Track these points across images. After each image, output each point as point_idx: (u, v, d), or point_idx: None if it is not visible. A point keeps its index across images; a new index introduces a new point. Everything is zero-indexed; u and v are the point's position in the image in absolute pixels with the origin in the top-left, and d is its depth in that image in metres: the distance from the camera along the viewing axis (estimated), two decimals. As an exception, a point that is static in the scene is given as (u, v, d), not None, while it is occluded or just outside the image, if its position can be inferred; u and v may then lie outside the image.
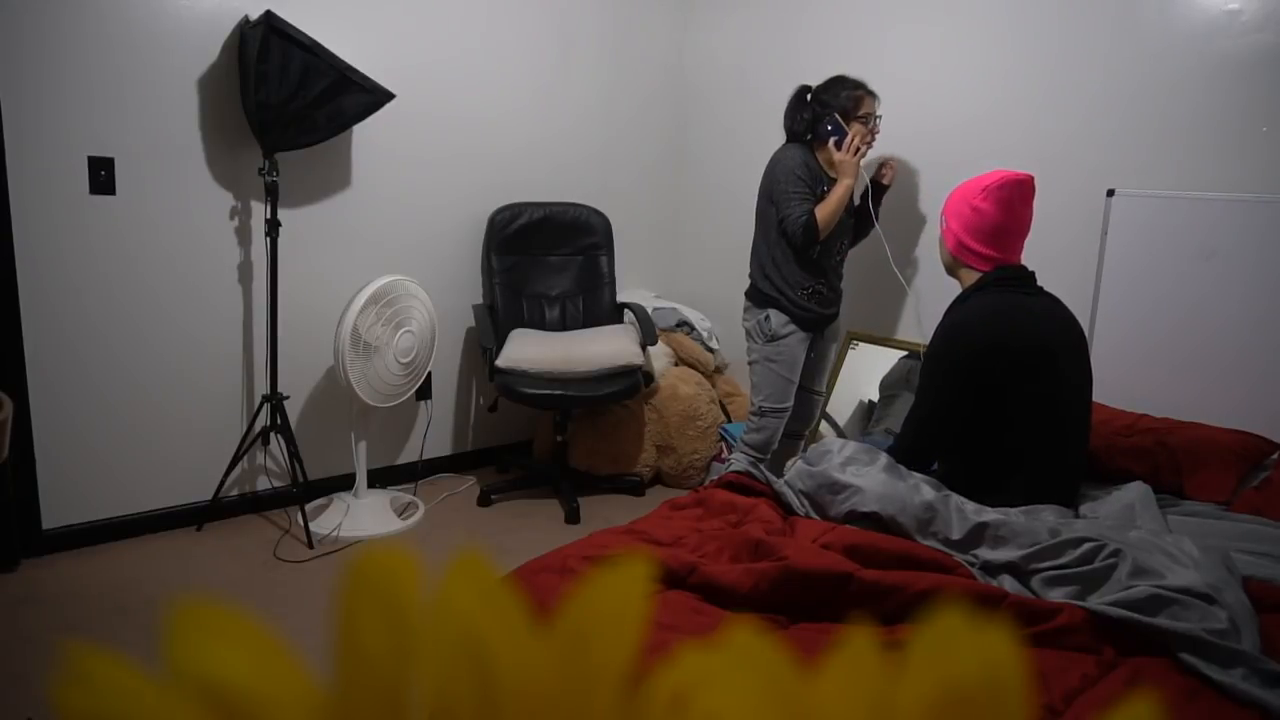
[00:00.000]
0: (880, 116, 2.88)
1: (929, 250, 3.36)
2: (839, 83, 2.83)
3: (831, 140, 2.79)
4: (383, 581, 0.23)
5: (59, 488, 2.72)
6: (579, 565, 1.68)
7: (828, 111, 2.80)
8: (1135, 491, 2.19)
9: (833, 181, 2.84)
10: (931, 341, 2.19)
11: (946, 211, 2.25)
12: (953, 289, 3.39)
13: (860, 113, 2.80)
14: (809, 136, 2.87)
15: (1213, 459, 2.41)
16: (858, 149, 2.77)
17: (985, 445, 2.12)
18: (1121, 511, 2.08)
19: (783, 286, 2.86)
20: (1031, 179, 2.19)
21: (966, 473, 2.11)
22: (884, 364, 3.47)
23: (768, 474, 2.17)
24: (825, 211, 2.75)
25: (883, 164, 3.14)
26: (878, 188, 3.13)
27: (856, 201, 3.01)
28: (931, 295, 3.39)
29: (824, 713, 0.22)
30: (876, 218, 3.10)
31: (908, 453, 2.16)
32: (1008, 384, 2.06)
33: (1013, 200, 2.14)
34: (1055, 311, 2.18)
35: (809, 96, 2.88)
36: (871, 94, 2.84)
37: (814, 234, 2.75)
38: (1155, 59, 2.78)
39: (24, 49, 2.50)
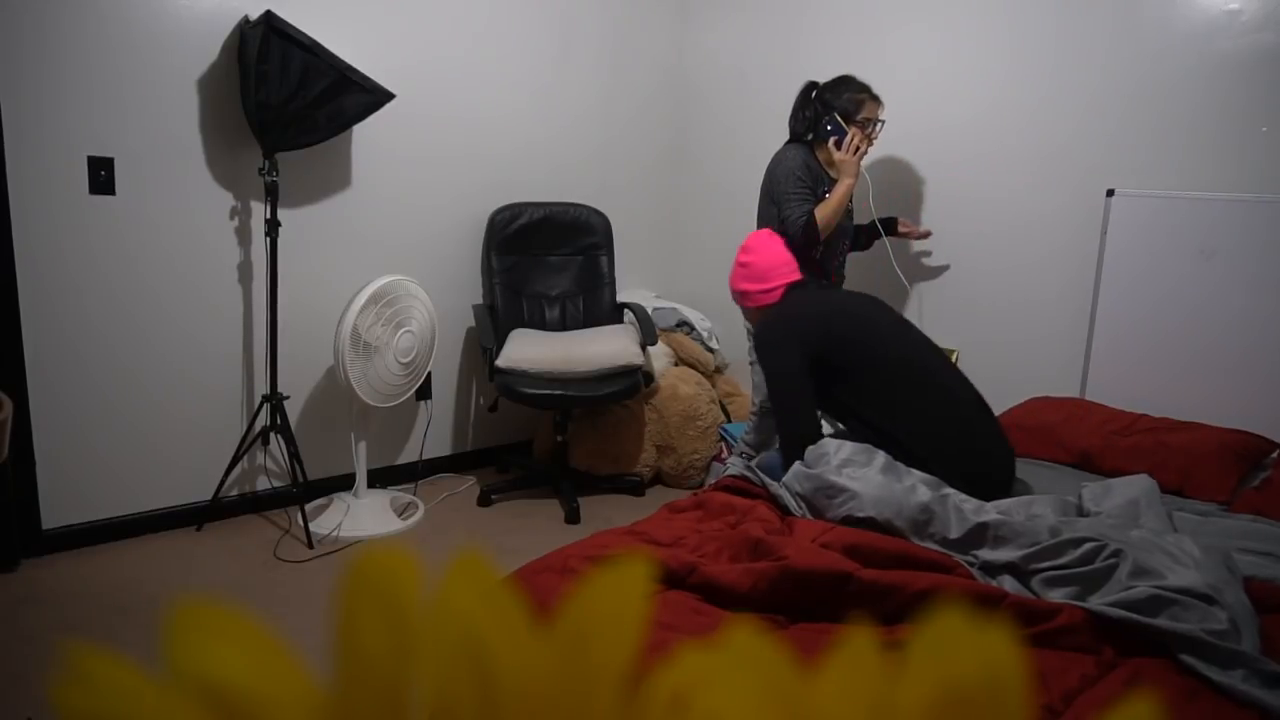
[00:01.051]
0: (883, 122, 2.87)
1: (930, 249, 3.37)
2: (844, 83, 2.83)
3: (831, 140, 2.79)
4: (383, 581, 0.23)
5: (59, 488, 2.72)
6: (580, 565, 1.68)
7: (829, 111, 2.80)
8: (1140, 486, 2.19)
9: (834, 182, 2.84)
10: (757, 338, 2.32)
11: (739, 291, 2.50)
12: (954, 286, 3.39)
13: (860, 116, 2.80)
14: (810, 136, 2.87)
15: (1213, 459, 2.41)
16: (857, 148, 2.77)
17: (859, 417, 2.22)
18: (1126, 507, 2.08)
19: (783, 286, 2.86)
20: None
21: (882, 444, 2.15)
22: (884, 364, 3.47)
23: (763, 476, 2.17)
24: (825, 212, 2.75)
25: (924, 233, 3.21)
26: (891, 228, 3.18)
27: (865, 206, 3.01)
28: (933, 294, 3.40)
29: (824, 713, 0.22)
30: (884, 235, 3.13)
31: (789, 440, 2.22)
32: (840, 351, 2.19)
33: (750, 249, 2.48)
34: (854, 294, 2.44)
35: (814, 94, 2.88)
36: (875, 98, 2.84)
37: (814, 234, 2.75)
38: (1155, 59, 2.78)
39: (24, 49, 2.50)
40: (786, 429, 2.24)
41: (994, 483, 2.18)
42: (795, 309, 2.33)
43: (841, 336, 2.24)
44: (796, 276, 2.43)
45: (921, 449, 2.15)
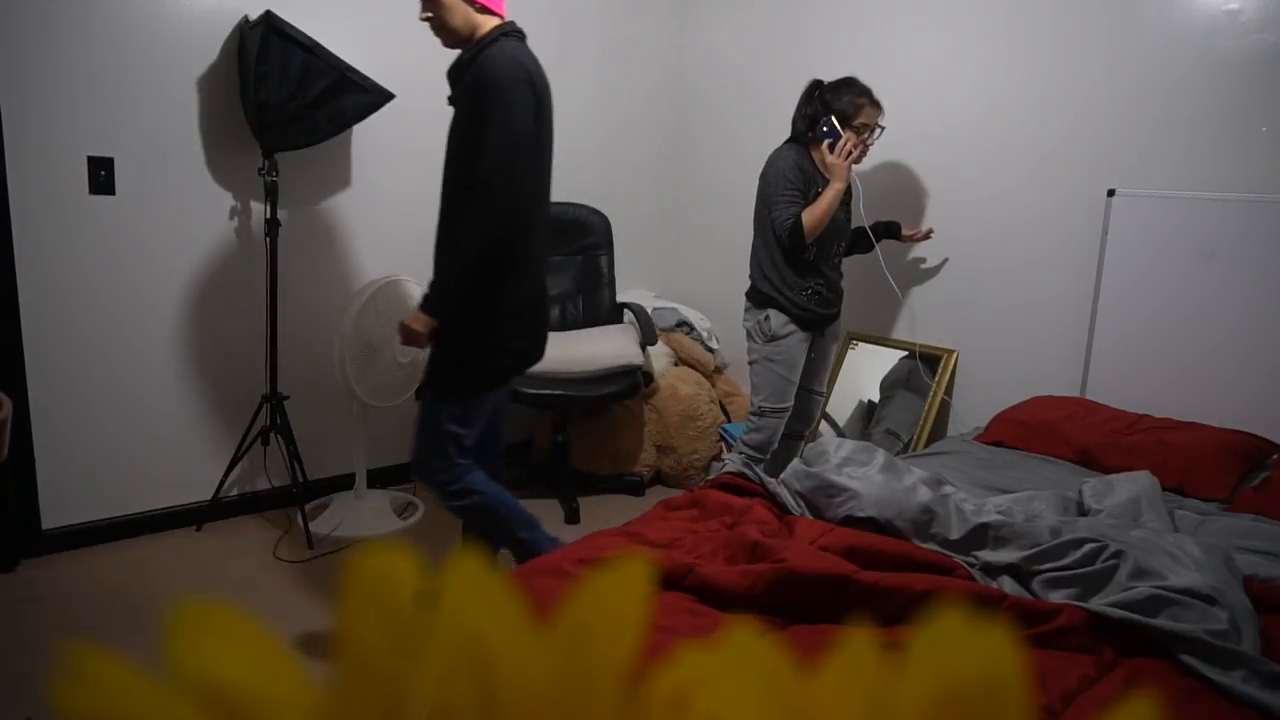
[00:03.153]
0: (882, 128, 2.86)
1: (931, 249, 3.37)
2: (846, 86, 2.82)
3: (825, 143, 2.78)
4: (383, 581, 0.23)
5: (59, 488, 2.72)
6: (574, 568, 1.69)
7: (828, 112, 2.80)
8: (1141, 483, 2.19)
9: (828, 183, 2.83)
10: (489, 75, 2.02)
11: None
12: (954, 285, 3.39)
13: (857, 120, 2.79)
14: (810, 135, 2.86)
15: (1213, 458, 2.42)
16: (849, 153, 2.76)
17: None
18: (1127, 505, 2.08)
19: (782, 287, 2.86)
20: None
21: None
22: (883, 364, 3.47)
23: (761, 474, 2.17)
24: (814, 214, 2.74)
25: (926, 232, 3.20)
26: (893, 231, 3.17)
27: (857, 210, 3.00)
28: (933, 294, 3.40)
29: (824, 713, 0.22)
30: (876, 242, 3.12)
31: (493, 189, 2.02)
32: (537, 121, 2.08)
33: None
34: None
35: (816, 93, 2.87)
36: (875, 104, 2.82)
37: (800, 237, 2.74)
38: (1155, 59, 2.78)
39: (24, 49, 2.50)
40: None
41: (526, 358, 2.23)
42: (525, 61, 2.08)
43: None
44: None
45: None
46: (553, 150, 2.17)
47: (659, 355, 3.66)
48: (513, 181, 2.01)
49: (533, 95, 2.04)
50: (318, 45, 2.79)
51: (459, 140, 2.07)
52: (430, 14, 2.10)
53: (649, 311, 3.61)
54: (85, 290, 2.69)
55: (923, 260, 3.40)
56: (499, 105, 1.99)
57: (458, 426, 2.16)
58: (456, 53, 2.16)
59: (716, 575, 1.65)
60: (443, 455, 2.18)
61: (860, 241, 3.15)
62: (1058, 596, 1.68)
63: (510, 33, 2.10)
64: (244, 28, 2.79)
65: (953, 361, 3.31)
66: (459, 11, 2.07)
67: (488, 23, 2.09)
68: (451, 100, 2.12)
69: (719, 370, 3.88)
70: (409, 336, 2.10)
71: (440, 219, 2.15)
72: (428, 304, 2.08)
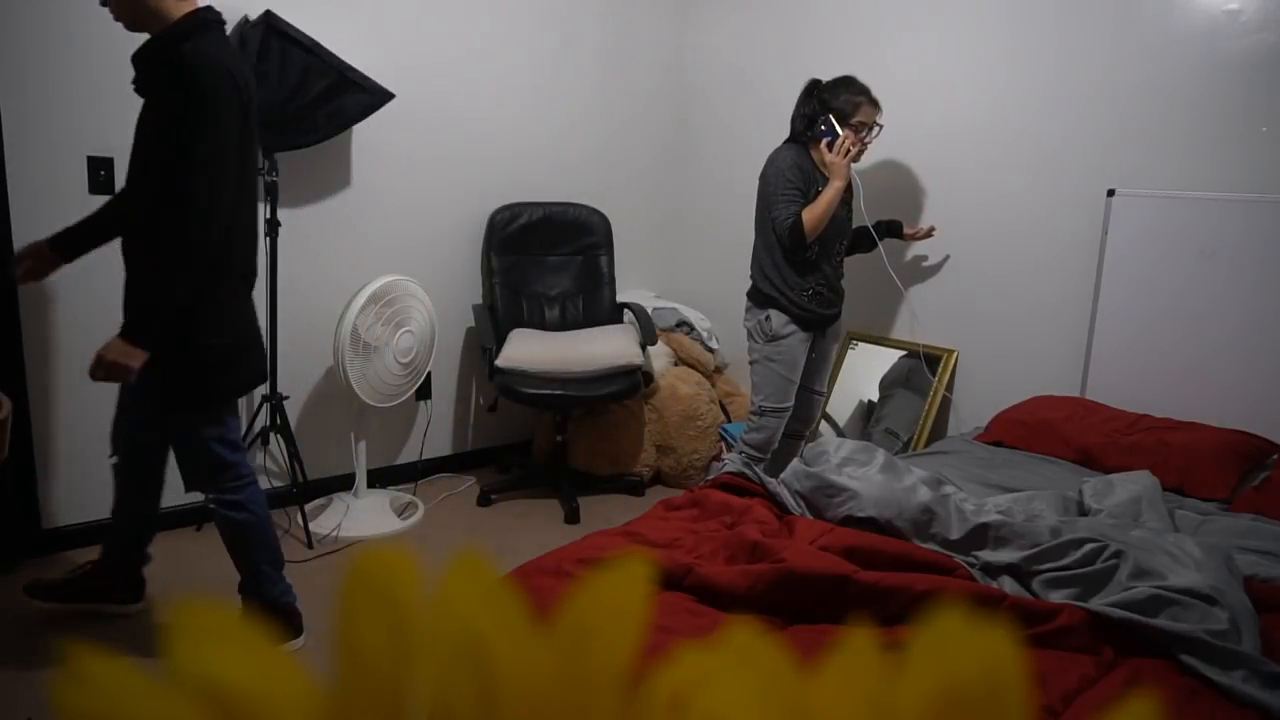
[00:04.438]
0: (881, 127, 2.86)
1: (931, 249, 3.37)
2: (844, 84, 2.82)
3: (824, 141, 2.78)
4: (383, 581, 0.23)
5: (59, 488, 2.72)
6: (573, 568, 1.69)
7: (825, 111, 2.80)
8: (1142, 483, 2.19)
9: (828, 182, 2.83)
10: (197, 83, 1.87)
11: None
12: (955, 285, 3.40)
13: (855, 119, 2.79)
14: (809, 134, 2.86)
15: (1213, 458, 2.42)
16: (848, 151, 2.76)
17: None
18: (1128, 505, 2.08)
19: (783, 287, 2.86)
20: None
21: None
22: (883, 363, 3.47)
23: (761, 474, 2.17)
24: (814, 213, 2.74)
25: (928, 230, 3.20)
26: (895, 230, 3.17)
27: (855, 208, 3.00)
28: (934, 294, 3.40)
29: (824, 713, 0.22)
30: (879, 240, 3.12)
31: (202, 210, 1.90)
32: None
33: None
34: None
35: (814, 92, 2.87)
36: (873, 103, 2.82)
37: (800, 236, 2.75)
38: (1155, 59, 2.78)
39: (24, 49, 2.50)
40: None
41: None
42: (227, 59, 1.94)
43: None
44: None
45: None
46: (257, 156, 2.06)
47: (659, 355, 3.66)
48: (222, 197, 1.89)
49: (240, 103, 1.92)
50: (318, 45, 2.79)
51: (154, 140, 1.91)
52: None
53: (649, 311, 3.61)
54: (85, 290, 2.68)
55: (923, 259, 3.40)
56: (211, 118, 1.85)
57: (214, 429, 2.09)
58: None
59: (716, 575, 1.65)
60: (219, 464, 2.13)
61: (862, 241, 3.15)
62: (1058, 596, 1.68)
63: (211, 22, 1.94)
64: (244, 28, 2.79)
65: (953, 361, 3.31)
66: None
67: (179, 6, 1.91)
68: (140, 88, 1.95)
69: (719, 370, 3.88)
70: (111, 371, 1.87)
71: (130, 221, 2.01)
72: (135, 333, 1.89)
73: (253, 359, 2.16)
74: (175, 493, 2.94)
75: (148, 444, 2.26)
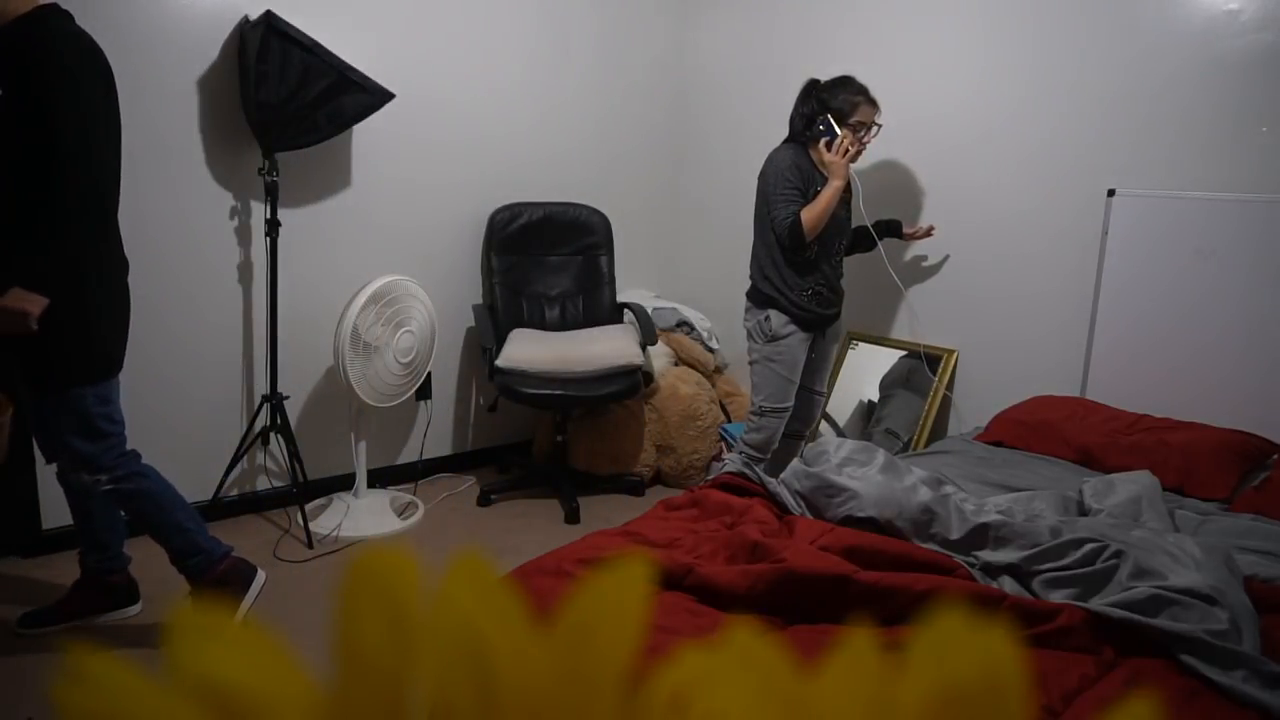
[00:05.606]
0: (879, 126, 2.86)
1: (931, 249, 3.37)
2: (843, 84, 2.82)
3: (823, 141, 2.78)
4: (383, 581, 0.23)
5: (59, 488, 2.71)
6: (573, 568, 1.69)
7: (824, 111, 2.80)
8: (1142, 483, 2.19)
9: (826, 182, 2.82)
10: (59, 63, 1.94)
11: None
12: (955, 285, 3.39)
13: (854, 119, 2.78)
14: (807, 134, 2.86)
15: (1213, 458, 2.42)
16: (847, 151, 2.76)
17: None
18: (1128, 504, 2.09)
19: (782, 287, 2.86)
20: None
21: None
22: (883, 363, 3.47)
23: (761, 474, 2.17)
24: (813, 213, 2.74)
25: (928, 230, 3.19)
26: (895, 230, 3.17)
27: (856, 208, 3.00)
28: (934, 294, 3.40)
29: (824, 713, 0.22)
30: (878, 241, 3.12)
31: (77, 159, 1.93)
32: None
33: None
34: None
35: (813, 92, 2.87)
36: (872, 102, 2.82)
37: (799, 235, 2.75)
38: (1155, 59, 2.78)
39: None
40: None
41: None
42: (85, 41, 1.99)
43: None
44: None
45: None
46: (121, 138, 2.07)
47: (659, 355, 3.66)
48: (94, 150, 1.92)
49: (100, 75, 1.97)
50: (318, 45, 2.79)
51: (7, 124, 1.90)
52: None
53: (649, 311, 3.61)
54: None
55: (923, 259, 3.40)
56: (69, 85, 1.89)
57: (100, 405, 2.05)
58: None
59: (716, 575, 1.65)
60: (99, 436, 2.06)
61: (862, 241, 3.15)
62: (1058, 596, 1.68)
63: (60, 14, 1.98)
64: (244, 28, 2.79)
65: (953, 361, 3.31)
66: None
67: (23, 4, 1.93)
68: None
69: (719, 370, 3.88)
70: (14, 320, 1.86)
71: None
72: (33, 280, 1.88)
73: (120, 327, 2.12)
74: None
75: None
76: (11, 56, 1.90)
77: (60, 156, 1.87)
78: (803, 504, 2.06)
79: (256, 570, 2.33)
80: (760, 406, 2.98)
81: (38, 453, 2.66)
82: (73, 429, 2.04)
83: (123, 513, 2.23)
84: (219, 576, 2.25)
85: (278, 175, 2.83)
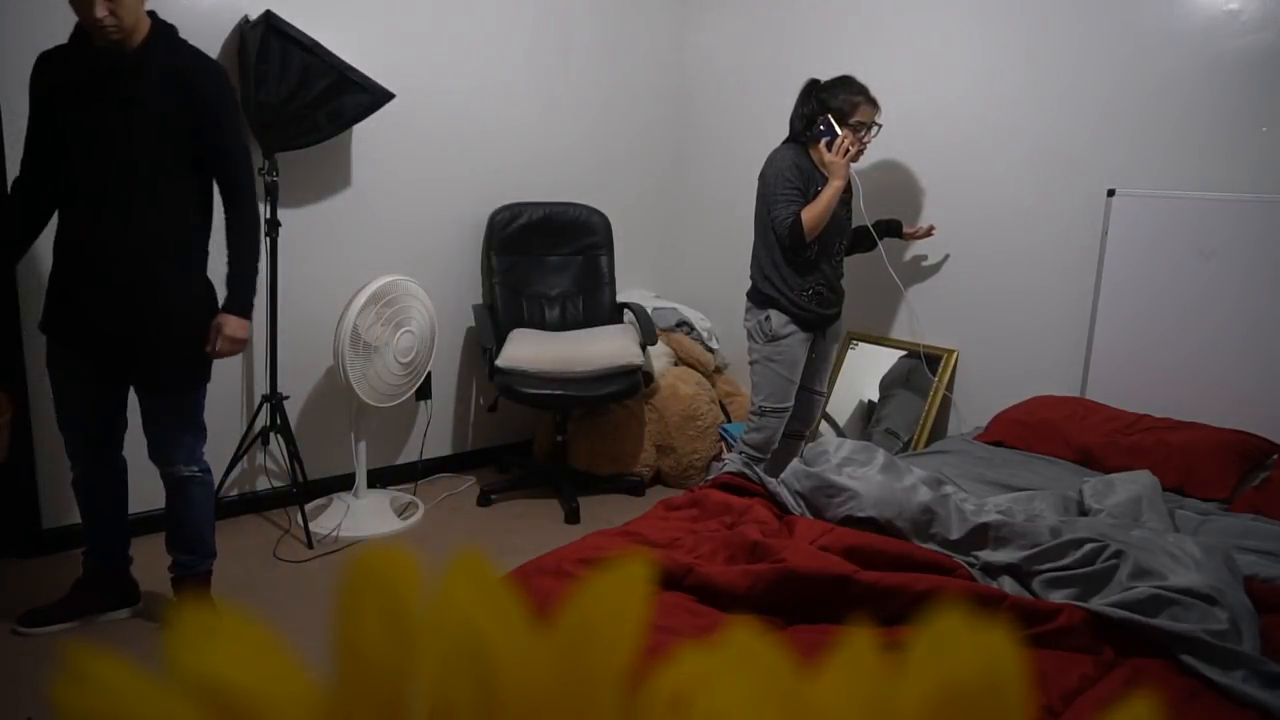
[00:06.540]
0: (879, 126, 2.86)
1: (931, 249, 3.37)
2: (843, 84, 2.82)
3: (823, 141, 2.78)
4: (383, 581, 0.23)
5: (59, 488, 2.71)
6: (573, 568, 1.69)
7: (824, 111, 2.80)
8: (1142, 482, 2.19)
9: (827, 182, 2.82)
10: (220, 89, 2.12)
11: None
12: (955, 285, 3.39)
13: (854, 119, 2.78)
14: (808, 134, 2.86)
15: (1213, 458, 2.42)
16: (847, 151, 2.76)
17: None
18: (1128, 504, 2.09)
19: (782, 287, 2.86)
20: None
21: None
22: (883, 363, 3.47)
23: (761, 474, 2.17)
24: (813, 213, 2.74)
25: (928, 230, 3.19)
26: (895, 230, 3.17)
27: (856, 207, 3.00)
28: (934, 294, 3.40)
29: (824, 713, 0.22)
30: (878, 241, 3.12)
31: (251, 195, 2.29)
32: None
33: None
34: None
35: (813, 92, 2.87)
36: (872, 102, 2.82)
37: (800, 235, 2.75)
38: (1155, 59, 2.78)
39: (24, 49, 2.49)
40: None
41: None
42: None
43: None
44: None
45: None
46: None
47: (659, 355, 3.66)
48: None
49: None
50: (318, 45, 2.79)
51: (169, 140, 2.04)
52: (110, 11, 1.90)
53: (649, 311, 3.61)
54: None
55: (923, 259, 3.40)
56: (236, 111, 2.16)
57: (201, 404, 2.31)
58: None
59: (716, 575, 1.65)
60: (202, 431, 2.31)
61: (862, 241, 3.15)
62: (1058, 596, 1.68)
63: (174, 30, 2.09)
64: (244, 28, 2.79)
65: (953, 361, 3.31)
66: (137, 6, 1.96)
67: (143, 19, 2.01)
68: (120, 95, 1.99)
69: (719, 370, 3.88)
70: (237, 348, 2.26)
71: (135, 218, 2.11)
72: (244, 308, 2.26)
73: None
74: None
75: (154, 439, 2.29)
76: (178, 82, 2.02)
77: (245, 190, 2.19)
78: (803, 504, 2.06)
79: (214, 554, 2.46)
80: (760, 406, 2.98)
81: (38, 453, 2.67)
82: (186, 426, 2.27)
83: (184, 501, 2.37)
84: (204, 577, 2.41)
85: (278, 175, 2.82)
